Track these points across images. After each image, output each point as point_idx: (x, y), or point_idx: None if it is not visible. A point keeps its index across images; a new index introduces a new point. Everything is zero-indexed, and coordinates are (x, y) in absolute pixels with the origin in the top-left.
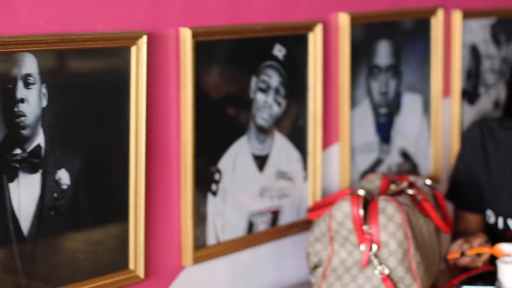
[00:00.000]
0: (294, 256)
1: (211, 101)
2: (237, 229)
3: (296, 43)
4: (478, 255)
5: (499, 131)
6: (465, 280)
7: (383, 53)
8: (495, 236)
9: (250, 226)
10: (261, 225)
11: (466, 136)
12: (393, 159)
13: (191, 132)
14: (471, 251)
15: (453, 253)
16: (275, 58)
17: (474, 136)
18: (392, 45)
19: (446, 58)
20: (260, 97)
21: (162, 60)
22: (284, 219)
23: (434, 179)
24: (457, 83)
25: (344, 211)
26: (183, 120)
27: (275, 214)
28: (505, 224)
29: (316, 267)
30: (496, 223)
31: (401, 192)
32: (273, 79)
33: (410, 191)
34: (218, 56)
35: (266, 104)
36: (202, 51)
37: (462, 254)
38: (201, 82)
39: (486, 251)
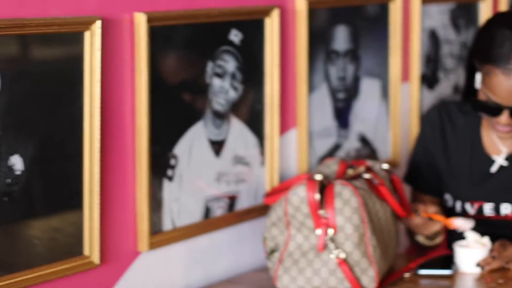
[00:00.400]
0: (251, 241)
1: (167, 87)
2: (193, 214)
3: (253, 28)
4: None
5: (458, 116)
6: (422, 264)
7: (341, 38)
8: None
9: (207, 212)
10: (218, 210)
11: (425, 120)
12: (351, 144)
13: (146, 117)
14: (424, 214)
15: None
16: (231, 43)
17: (433, 120)
18: (350, 30)
19: (405, 43)
20: (216, 82)
21: (116, 46)
22: (241, 204)
23: (393, 163)
24: (416, 68)
25: (300, 196)
26: (138, 106)
27: (232, 199)
28: (463, 208)
29: (272, 251)
30: (453, 207)
31: (358, 176)
32: (229, 64)
33: (367, 176)
34: (173, 41)
35: (223, 89)
36: (157, 36)
37: (415, 212)
38: (157, 68)
39: (438, 218)
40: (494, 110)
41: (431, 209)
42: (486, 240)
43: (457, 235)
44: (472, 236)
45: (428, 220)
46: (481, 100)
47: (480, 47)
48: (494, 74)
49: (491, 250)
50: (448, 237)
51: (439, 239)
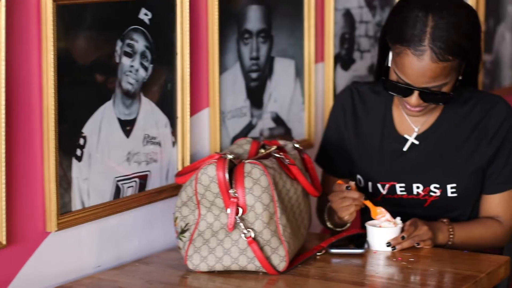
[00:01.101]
0: (163, 221)
1: (75, 66)
2: (103, 194)
3: (163, 7)
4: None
5: (369, 96)
6: (334, 243)
7: (254, 18)
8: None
9: (117, 191)
10: (129, 190)
11: (337, 100)
12: (265, 124)
13: (53, 97)
14: (354, 187)
15: (340, 181)
16: (141, 22)
17: (345, 101)
18: (263, 10)
19: (319, 23)
20: (125, 61)
21: (22, 24)
22: (153, 184)
23: (307, 143)
24: (331, 48)
25: (210, 175)
26: (45, 85)
27: (143, 179)
28: (374, 188)
29: (183, 231)
30: (366, 187)
31: (269, 156)
32: (139, 43)
33: (278, 155)
34: (81, 20)
35: (132, 69)
36: (65, 15)
37: (347, 188)
38: (65, 47)
39: (368, 203)
40: (405, 90)
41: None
42: (397, 219)
43: (370, 215)
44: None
45: (346, 198)
46: (392, 80)
47: (393, 28)
48: (405, 55)
49: (403, 229)
50: (360, 216)
51: (346, 226)
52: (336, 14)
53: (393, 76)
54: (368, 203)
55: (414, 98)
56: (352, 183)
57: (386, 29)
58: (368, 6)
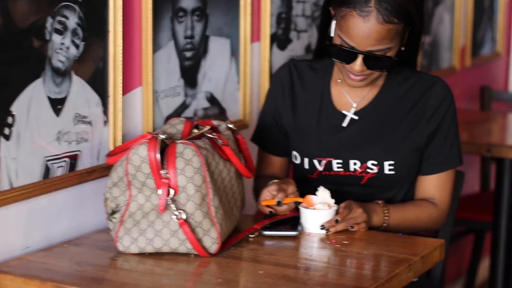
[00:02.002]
0: (94, 202)
1: (4, 43)
2: (32, 174)
3: None
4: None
5: (308, 72)
6: (267, 225)
7: None
8: (300, 175)
9: (47, 171)
10: (59, 170)
11: (275, 77)
12: (199, 103)
13: None
14: (286, 199)
15: (268, 201)
16: None
17: (282, 77)
18: None
19: (256, 2)
20: (56, 38)
21: None
22: (83, 164)
23: (242, 124)
24: (267, 27)
25: (141, 155)
26: None
27: (74, 159)
28: (311, 164)
29: (113, 212)
30: (302, 163)
31: (202, 136)
32: (70, 20)
33: (211, 135)
34: None
35: (63, 46)
36: None
37: (279, 203)
38: None
39: (300, 201)
40: (349, 55)
41: (289, 190)
42: (332, 201)
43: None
44: (322, 192)
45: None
46: (337, 44)
47: None
48: (351, 16)
49: (337, 212)
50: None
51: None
52: None
53: (337, 42)
54: (299, 199)
55: (358, 63)
56: (280, 199)
57: None
58: None
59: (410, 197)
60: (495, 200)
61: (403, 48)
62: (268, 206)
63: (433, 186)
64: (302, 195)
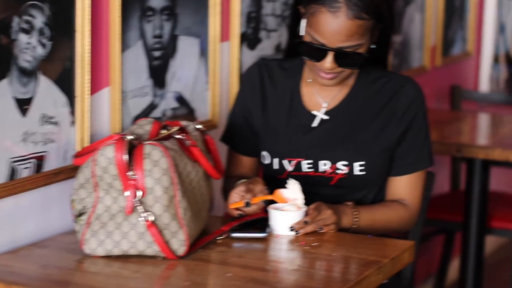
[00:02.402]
0: (61, 203)
1: None
2: None
3: None
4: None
5: (278, 72)
6: (236, 227)
7: None
8: (270, 175)
9: (12, 173)
10: (25, 171)
11: (245, 76)
12: (168, 103)
13: None
14: (255, 199)
15: (236, 203)
16: None
17: (253, 76)
18: None
19: (225, 1)
20: (22, 38)
21: None
22: (50, 165)
23: (211, 124)
24: (236, 27)
25: (108, 157)
26: None
27: (40, 160)
28: (280, 164)
29: (80, 214)
30: (271, 163)
31: (170, 137)
32: (37, 19)
33: (179, 136)
34: None
35: (30, 46)
36: None
37: (247, 204)
38: None
39: (269, 198)
40: (320, 52)
41: (257, 189)
42: (302, 201)
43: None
44: (292, 185)
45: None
46: (307, 41)
47: None
48: (320, 13)
49: (307, 213)
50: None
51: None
52: None
53: (307, 40)
54: (269, 196)
55: (328, 60)
56: (248, 199)
57: None
58: None
59: (381, 198)
60: (465, 200)
61: (373, 46)
62: (237, 208)
63: (404, 187)
64: (272, 193)
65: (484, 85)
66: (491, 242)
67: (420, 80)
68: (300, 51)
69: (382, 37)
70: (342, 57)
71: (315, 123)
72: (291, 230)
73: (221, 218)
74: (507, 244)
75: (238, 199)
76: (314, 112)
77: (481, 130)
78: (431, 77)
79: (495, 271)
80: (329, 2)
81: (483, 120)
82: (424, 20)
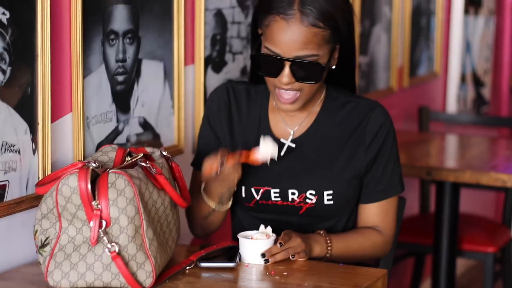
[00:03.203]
0: (23, 234)
1: None
2: None
3: (22, 5)
4: None
5: (245, 97)
6: (204, 256)
7: (120, 18)
8: (238, 203)
9: None
10: None
11: (212, 97)
12: (132, 129)
13: None
14: (229, 160)
15: (210, 169)
16: None
17: (220, 98)
18: (130, 9)
19: (190, 24)
20: None
21: None
22: (11, 194)
23: (176, 149)
24: (201, 49)
25: (71, 186)
26: None
27: (1, 189)
28: (248, 192)
29: (43, 245)
30: (239, 191)
31: (135, 164)
32: None
33: (144, 163)
34: None
35: None
36: None
37: (222, 164)
38: None
39: (243, 160)
40: (276, 65)
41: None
42: (270, 230)
43: (243, 226)
44: (265, 140)
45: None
46: (262, 53)
47: (262, 3)
48: (274, 22)
49: (276, 241)
50: (232, 228)
51: (229, 203)
52: (207, 14)
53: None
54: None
55: (285, 73)
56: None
57: (255, 12)
58: (240, 6)
59: (352, 225)
60: (435, 223)
61: (334, 67)
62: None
63: (375, 214)
64: (239, 224)
65: (452, 105)
66: (461, 263)
67: (387, 102)
68: (257, 67)
69: (345, 59)
70: (299, 68)
71: (283, 151)
72: (263, 257)
73: (188, 246)
74: (477, 265)
75: (212, 163)
76: (282, 140)
77: (450, 152)
78: (399, 98)
79: None
80: (283, 10)
81: (452, 141)
82: (390, 41)
